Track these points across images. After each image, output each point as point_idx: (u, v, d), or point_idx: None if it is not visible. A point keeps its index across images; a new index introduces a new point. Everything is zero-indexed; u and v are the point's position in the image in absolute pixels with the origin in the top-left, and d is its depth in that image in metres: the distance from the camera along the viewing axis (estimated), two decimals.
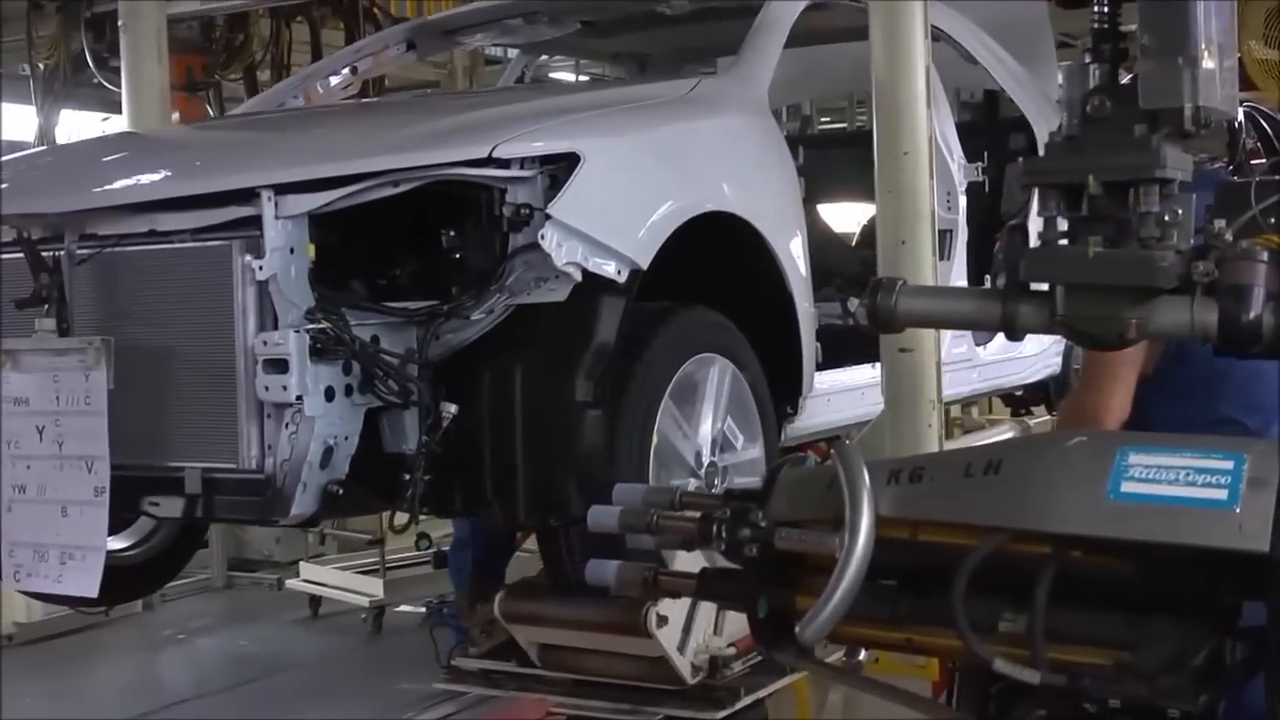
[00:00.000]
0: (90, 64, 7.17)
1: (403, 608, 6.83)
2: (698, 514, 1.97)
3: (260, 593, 7.68)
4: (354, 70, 4.71)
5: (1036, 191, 5.49)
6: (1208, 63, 1.77)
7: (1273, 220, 1.86)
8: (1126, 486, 1.75)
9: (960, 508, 1.85)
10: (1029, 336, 4.63)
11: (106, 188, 3.12)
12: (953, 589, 1.79)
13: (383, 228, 3.03)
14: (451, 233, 2.92)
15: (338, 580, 6.91)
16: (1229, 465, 1.71)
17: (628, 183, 3.06)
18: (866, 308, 1.92)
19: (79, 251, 2.96)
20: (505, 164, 2.81)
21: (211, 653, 7.08)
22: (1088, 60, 1.81)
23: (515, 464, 2.82)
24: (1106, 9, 1.81)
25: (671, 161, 3.26)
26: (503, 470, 2.83)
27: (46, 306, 2.93)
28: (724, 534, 1.91)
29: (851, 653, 2.19)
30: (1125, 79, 1.85)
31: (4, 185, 3.30)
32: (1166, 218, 1.78)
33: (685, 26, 4.60)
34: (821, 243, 5.72)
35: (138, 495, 2.91)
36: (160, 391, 2.89)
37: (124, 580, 3.69)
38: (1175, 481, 1.72)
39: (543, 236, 2.73)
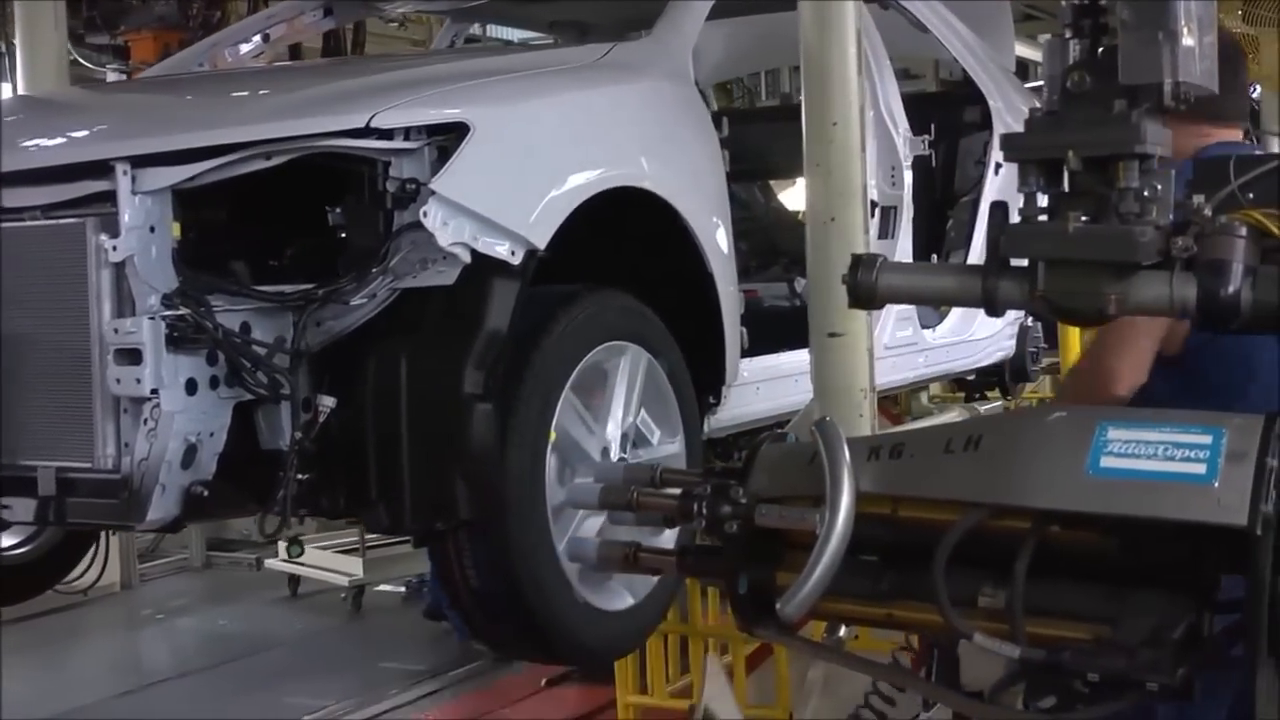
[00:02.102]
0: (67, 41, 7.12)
1: (382, 587, 6.84)
2: (678, 491, 1.97)
3: (239, 572, 7.64)
4: (266, 38, 4.43)
5: (995, 168, 5.44)
6: (1187, 39, 1.77)
7: (1251, 196, 1.85)
8: (1106, 461, 1.76)
9: (941, 483, 1.86)
10: (980, 319, 4.57)
11: None
12: (933, 564, 1.79)
13: (273, 204, 2.85)
14: (337, 210, 2.71)
15: (317, 560, 6.91)
16: (1208, 440, 1.72)
17: (524, 155, 2.83)
18: (847, 284, 1.92)
19: None
20: (388, 135, 2.61)
21: (191, 632, 7.07)
22: (1068, 35, 1.80)
23: (400, 463, 2.62)
24: None
25: (575, 132, 3.03)
26: (387, 469, 2.63)
27: None
28: (704, 511, 1.91)
29: (832, 629, 2.20)
30: None
31: None
32: (1146, 193, 1.78)
33: None
34: (772, 221, 5.56)
35: None
36: (13, 383, 2.68)
37: (15, 580, 3.51)
38: (1154, 456, 1.73)
39: (425, 214, 2.53)
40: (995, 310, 1.91)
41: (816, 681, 4.95)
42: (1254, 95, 6.39)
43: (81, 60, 6.79)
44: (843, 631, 2.10)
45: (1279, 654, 1.72)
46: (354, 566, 6.66)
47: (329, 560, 6.80)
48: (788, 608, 1.80)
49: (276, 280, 2.75)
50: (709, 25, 5.62)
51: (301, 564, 6.97)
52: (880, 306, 2.00)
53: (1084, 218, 1.80)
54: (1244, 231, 1.76)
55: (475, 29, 6.40)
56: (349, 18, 4.93)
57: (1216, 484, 1.68)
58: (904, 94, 4.68)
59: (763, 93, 9.92)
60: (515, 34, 7.08)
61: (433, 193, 2.54)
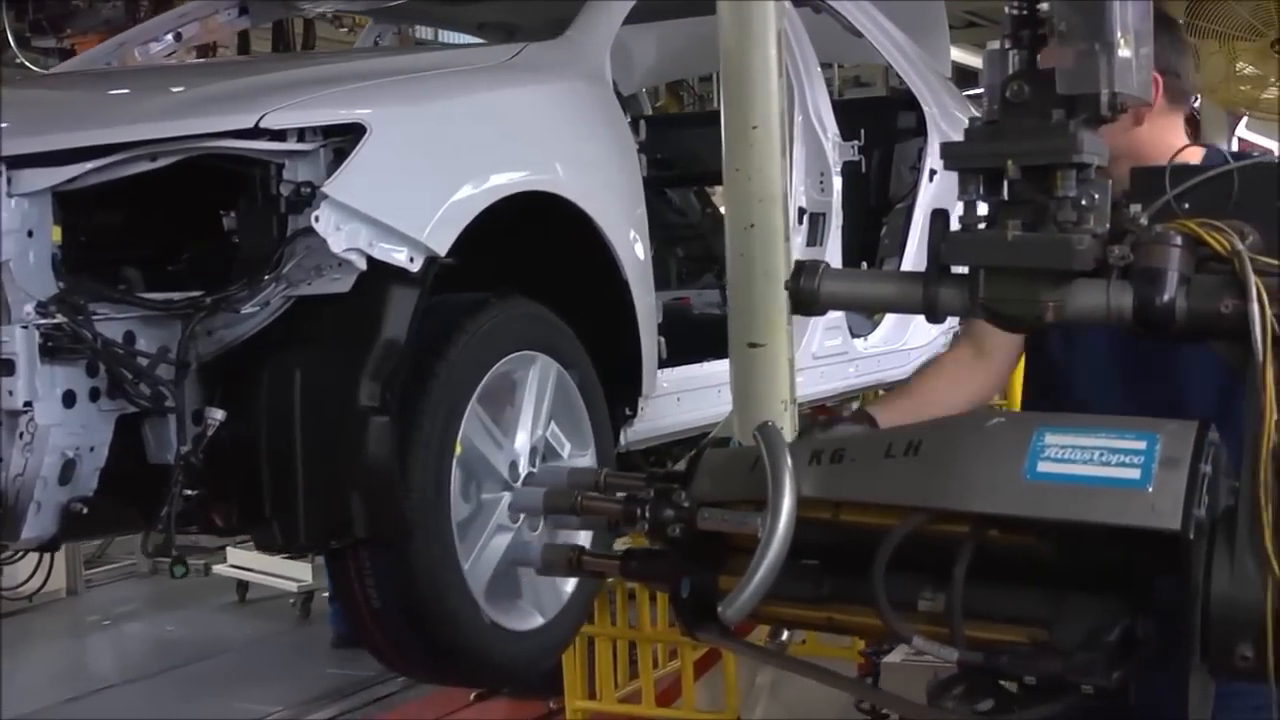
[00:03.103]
0: (11, 43, 7.05)
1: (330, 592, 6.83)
2: (622, 495, 1.96)
3: (187, 578, 7.63)
4: (178, 36, 4.31)
5: (929, 174, 5.46)
6: (1124, 50, 1.79)
7: (1187, 205, 1.87)
8: (1043, 466, 1.77)
9: (880, 488, 1.86)
10: (913, 328, 4.58)
11: None
12: (873, 568, 1.80)
13: (176, 208, 2.75)
14: (232, 214, 2.62)
15: (265, 565, 6.87)
16: (1142, 445, 1.74)
17: (424, 158, 2.75)
18: (789, 290, 1.94)
19: None
20: (281, 136, 2.52)
21: (138, 638, 7.09)
22: (1007, 46, 1.82)
23: (294, 479, 2.53)
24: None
25: (480, 135, 2.94)
26: (280, 485, 2.54)
27: None
28: (648, 515, 1.91)
29: (775, 633, 2.21)
30: None
31: None
32: (1084, 202, 1.80)
33: None
34: (709, 228, 5.43)
35: None
36: None
37: None
38: (1090, 461, 1.75)
39: (317, 219, 2.44)
40: (936, 317, 1.93)
41: (764, 686, 4.99)
42: (1195, 105, 6.50)
43: (28, 64, 6.73)
44: (785, 636, 2.11)
45: (1211, 657, 1.73)
46: (303, 572, 6.65)
47: (277, 565, 6.79)
48: (729, 611, 1.79)
49: (176, 288, 2.65)
50: (640, 28, 5.34)
51: (250, 569, 6.96)
52: (823, 313, 2.02)
53: (1023, 226, 1.81)
54: (1179, 241, 1.78)
55: (425, 33, 6.36)
56: (266, 17, 4.78)
57: (1150, 489, 1.70)
58: (837, 100, 4.70)
59: (715, 98, 9.96)
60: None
61: (324, 196, 2.46)
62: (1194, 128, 2.76)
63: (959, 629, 1.78)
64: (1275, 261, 1.77)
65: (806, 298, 1.92)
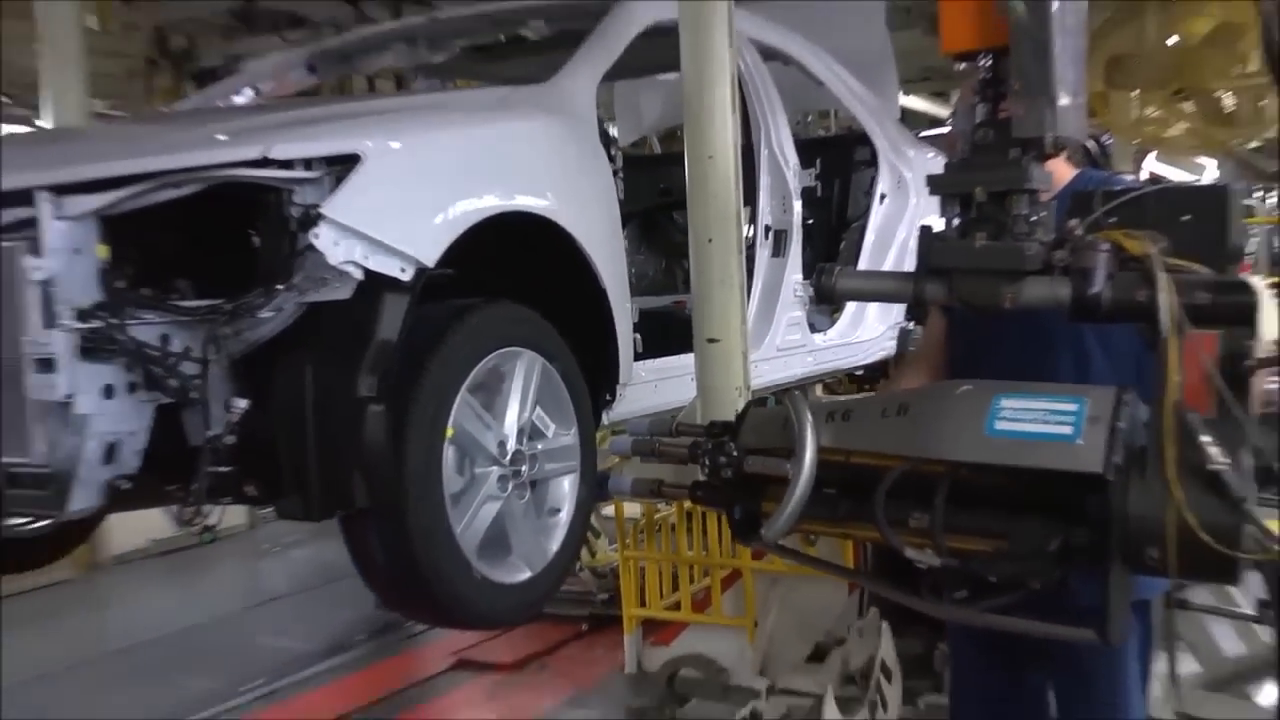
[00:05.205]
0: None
1: None
2: (689, 440, 2.34)
3: None
4: (257, 91, 4.59)
5: (879, 198, 5.62)
6: (1064, 101, 2.15)
7: (1112, 220, 2.19)
8: (999, 425, 2.08)
9: (878, 440, 2.19)
10: (865, 324, 4.88)
11: None
12: (875, 497, 2.15)
13: (220, 229, 2.86)
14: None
15: None
16: (1074, 407, 2.04)
17: (414, 182, 2.84)
18: (814, 285, 2.36)
19: None
20: (288, 165, 2.64)
21: (301, 561, 8.04)
22: (976, 101, 2.20)
23: (306, 458, 2.68)
24: (991, 63, 2.21)
25: (466, 161, 3.05)
26: (296, 464, 2.68)
27: None
28: (706, 460, 2.28)
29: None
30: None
31: None
32: (1033, 218, 2.16)
33: (562, 51, 4.15)
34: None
35: None
36: None
37: (27, 550, 3.60)
38: (1034, 420, 2.06)
39: (316, 235, 2.57)
40: (922, 304, 2.35)
41: (775, 597, 5.50)
42: (1106, 140, 7.14)
43: None
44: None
45: (1128, 559, 2.05)
46: None
47: None
48: (769, 534, 2.16)
49: (220, 296, 2.77)
50: (646, 86, 5.78)
51: None
52: (839, 303, 2.44)
53: (987, 237, 2.17)
54: (1106, 247, 2.11)
55: None
56: (331, 74, 4.97)
57: (1080, 441, 1.98)
58: (803, 139, 4.90)
59: None
60: None
61: (322, 216, 2.59)
62: (1085, 154, 3.09)
63: (940, 540, 2.10)
64: (1179, 262, 2.10)
65: (827, 292, 2.29)
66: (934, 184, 2.25)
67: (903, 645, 4.89)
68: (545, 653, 6.26)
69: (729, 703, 4.93)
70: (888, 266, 4.87)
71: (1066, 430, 2.05)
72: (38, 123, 6.46)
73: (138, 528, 7.77)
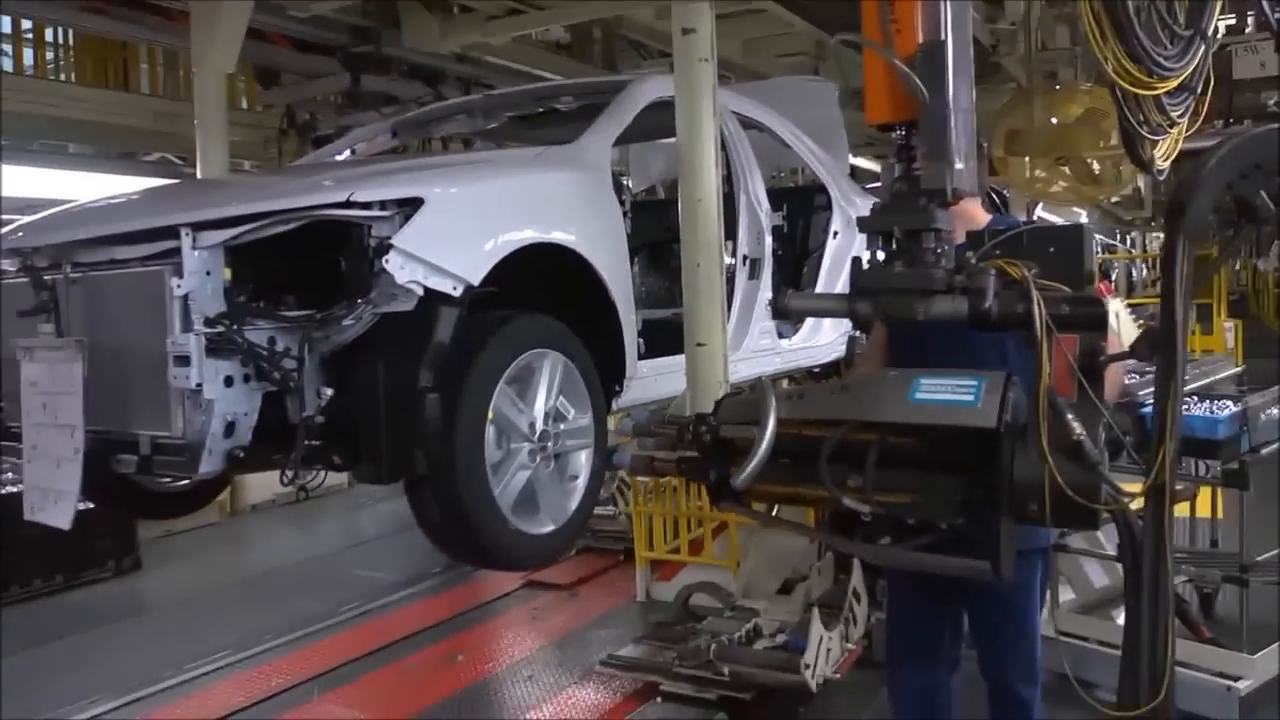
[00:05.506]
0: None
1: None
2: (676, 425, 2.39)
3: None
4: (353, 151, 4.65)
5: (833, 234, 5.61)
6: (959, 163, 2.20)
7: (998, 252, 2.24)
8: (919, 395, 2.12)
9: (824, 410, 2.23)
10: (822, 331, 4.93)
11: (84, 227, 3.02)
12: (819, 461, 2.18)
13: (314, 256, 2.90)
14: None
15: None
16: (975, 383, 2.10)
17: (464, 220, 2.85)
18: (773, 305, 2.41)
19: (71, 275, 2.92)
20: (367, 206, 2.66)
21: (389, 514, 8.04)
22: (894, 161, 2.25)
23: (378, 435, 2.70)
24: (904, 133, 2.26)
25: (506, 204, 3.06)
26: (371, 439, 2.71)
27: (46, 315, 2.93)
28: (690, 434, 2.33)
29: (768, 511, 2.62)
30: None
31: (13, 228, 3.25)
32: (938, 250, 2.21)
33: (585, 119, 4.06)
34: None
35: (110, 454, 2.83)
36: (125, 378, 2.82)
37: (175, 502, 3.66)
38: (945, 391, 2.10)
39: (388, 261, 2.60)
40: (857, 321, 2.32)
41: (753, 544, 5.54)
42: (1006, 192, 7.69)
43: None
44: (775, 511, 2.50)
45: (1014, 511, 2.08)
46: None
47: None
48: (738, 480, 2.18)
49: (319, 308, 2.79)
50: (654, 147, 5.75)
51: None
52: (794, 319, 2.47)
53: (904, 265, 2.21)
54: (993, 272, 2.17)
55: None
56: (409, 138, 4.99)
57: (980, 405, 2.04)
58: (774, 189, 4.95)
59: None
60: None
61: (392, 246, 2.61)
62: (993, 201, 3.15)
63: (870, 495, 2.14)
64: (1047, 283, 2.15)
65: (782, 310, 2.37)
66: (862, 224, 2.29)
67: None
68: (591, 577, 6.36)
69: (734, 620, 5.01)
70: (839, 288, 4.88)
71: (969, 398, 2.08)
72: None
73: (266, 485, 8.00)
